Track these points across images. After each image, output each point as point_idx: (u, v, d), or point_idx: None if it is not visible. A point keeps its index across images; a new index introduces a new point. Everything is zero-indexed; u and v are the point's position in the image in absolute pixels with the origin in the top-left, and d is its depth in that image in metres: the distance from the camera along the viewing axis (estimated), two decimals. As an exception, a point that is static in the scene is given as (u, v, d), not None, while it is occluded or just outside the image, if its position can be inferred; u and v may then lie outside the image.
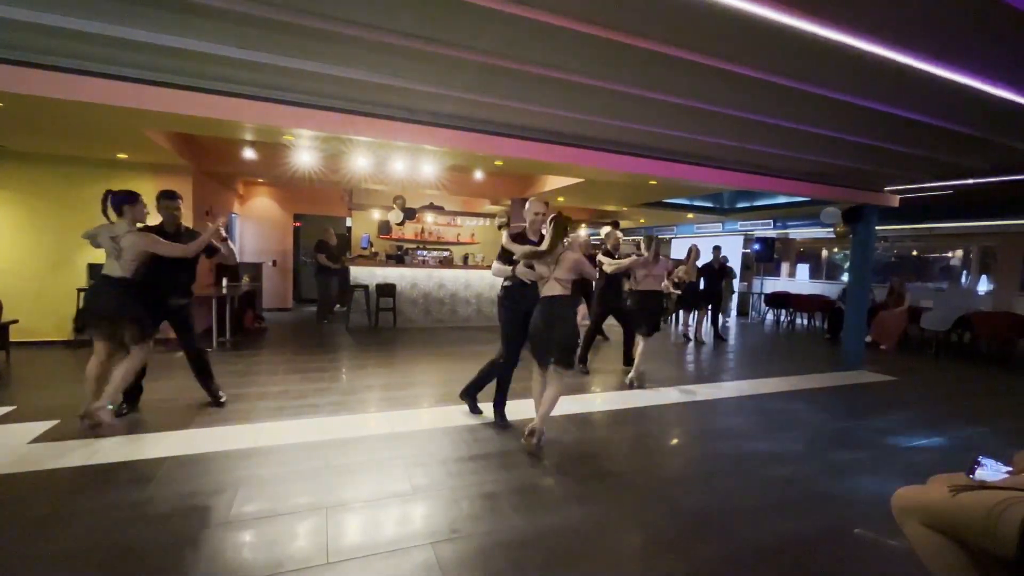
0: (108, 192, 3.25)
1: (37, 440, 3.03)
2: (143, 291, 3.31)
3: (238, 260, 3.80)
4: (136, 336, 3.24)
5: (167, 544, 2.09)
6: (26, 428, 3.19)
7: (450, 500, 2.55)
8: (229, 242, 3.75)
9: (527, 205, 3.61)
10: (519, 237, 3.60)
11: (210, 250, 3.60)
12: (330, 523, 2.29)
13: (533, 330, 3.26)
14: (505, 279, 3.57)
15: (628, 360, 5.52)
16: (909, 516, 1.62)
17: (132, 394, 3.61)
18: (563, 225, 3.24)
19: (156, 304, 3.48)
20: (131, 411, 3.58)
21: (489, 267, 3.79)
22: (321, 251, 8.23)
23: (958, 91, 2.97)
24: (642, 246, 4.98)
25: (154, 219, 3.56)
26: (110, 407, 3.13)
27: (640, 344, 4.97)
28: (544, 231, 3.58)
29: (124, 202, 3.23)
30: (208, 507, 2.38)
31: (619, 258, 5.24)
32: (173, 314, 3.64)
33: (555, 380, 3.22)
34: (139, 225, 3.37)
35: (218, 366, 5.00)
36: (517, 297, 3.49)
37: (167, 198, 3.56)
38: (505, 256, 3.51)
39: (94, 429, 3.09)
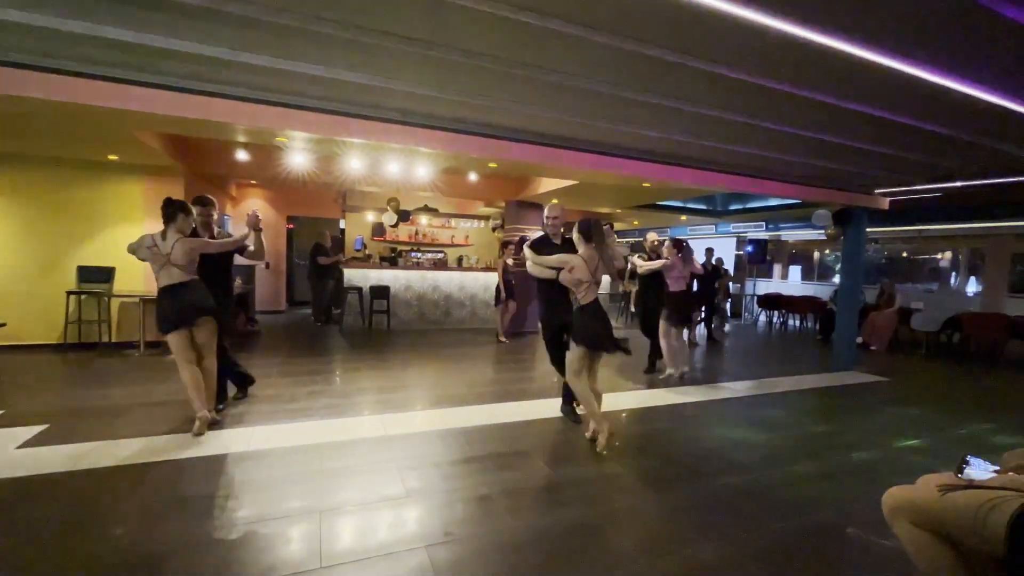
0: (168, 199, 3.35)
1: (25, 445, 2.99)
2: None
3: (265, 257, 3.90)
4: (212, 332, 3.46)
5: (158, 550, 2.07)
6: (14, 433, 3.15)
7: (444, 503, 2.55)
8: (262, 235, 3.83)
9: (547, 210, 3.82)
10: (544, 240, 3.76)
11: (241, 248, 3.75)
12: (323, 527, 2.27)
13: (597, 334, 3.31)
14: (549, 303, 3.75)
15: (652, 366, 5.62)
16: (899, 516, 1.64)
17: (243, 382, 4.03)
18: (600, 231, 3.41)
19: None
20: (242, 396, 4.02)
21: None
22: (319, 254, 8.25)
23: (945, 95, 3.01)
24: (666, 249, 5.26)
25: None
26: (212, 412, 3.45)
27: (665, 344, 5.24)
28: (565, 233, 3.78)
29: (181, 210, 3.33)
30: (200, 512, 2.36)
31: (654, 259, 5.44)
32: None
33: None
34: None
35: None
36: (558, 312, 3.69)
37: (199, 204, 3.60)
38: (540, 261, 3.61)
39: (213, 427, 3.38)
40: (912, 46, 2.52)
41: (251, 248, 3.77)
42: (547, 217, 3.79)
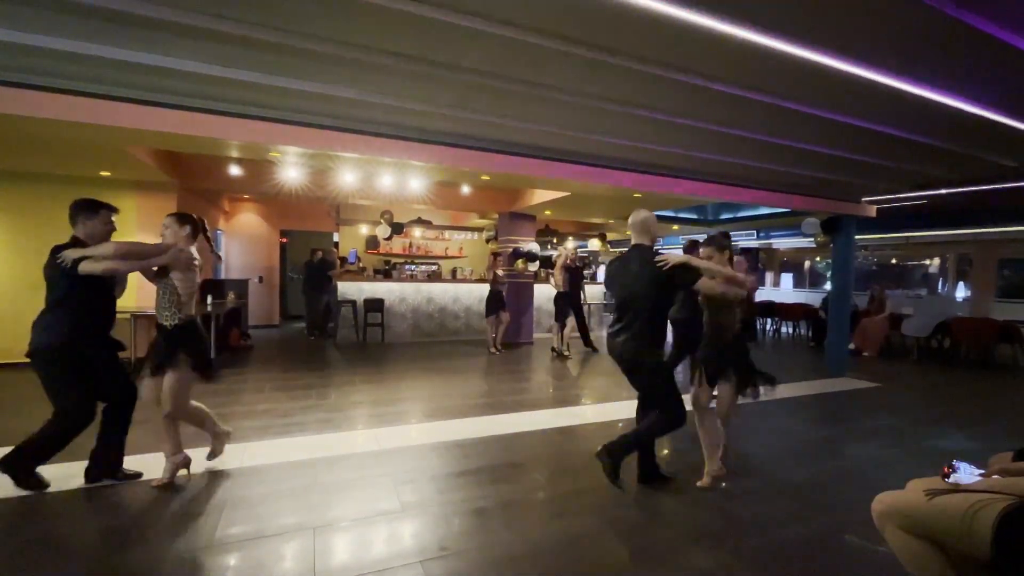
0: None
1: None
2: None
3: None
4: None
5: (150, 569, 2.04)
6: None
7: (440, 517, 2.54)
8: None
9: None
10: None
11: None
12: (317, 543, 2.26)
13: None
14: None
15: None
16: (888, 521, 1.65)
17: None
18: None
19: None
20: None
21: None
22: (329, 268, 8.65)
23: (929, 106, 3.09)
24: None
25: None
26: None
27: None
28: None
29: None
30: (192, 530, 2.33)
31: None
32: None
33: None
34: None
35: (203, 385, 4.93)
36: None
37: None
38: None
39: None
40: (898, 60, 2.59)
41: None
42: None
